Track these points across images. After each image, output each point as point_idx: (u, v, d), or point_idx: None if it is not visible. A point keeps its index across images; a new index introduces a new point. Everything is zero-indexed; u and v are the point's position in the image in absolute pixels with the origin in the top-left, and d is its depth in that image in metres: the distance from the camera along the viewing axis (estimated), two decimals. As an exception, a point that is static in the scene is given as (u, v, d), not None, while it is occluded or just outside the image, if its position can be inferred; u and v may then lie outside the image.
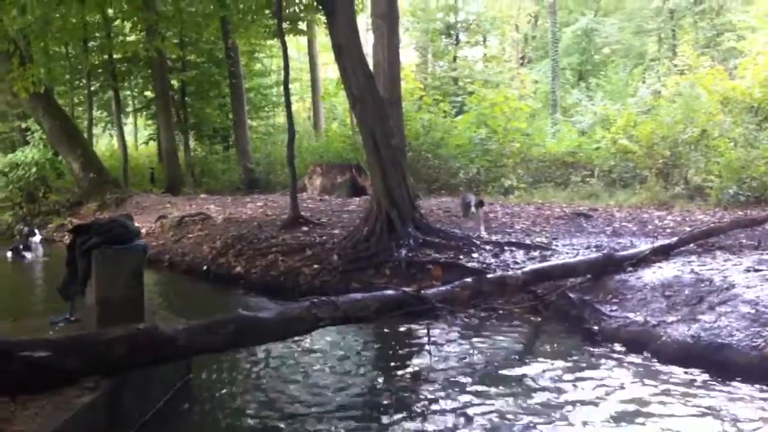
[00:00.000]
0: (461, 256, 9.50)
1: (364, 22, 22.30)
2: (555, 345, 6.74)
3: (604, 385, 5.37)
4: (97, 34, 23.62)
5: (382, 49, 12.61)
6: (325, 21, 11.40)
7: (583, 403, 4.99)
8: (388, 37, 12.65)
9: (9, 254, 14.16)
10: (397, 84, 12.82)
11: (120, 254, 5.24)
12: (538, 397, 5.15)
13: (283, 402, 5.29)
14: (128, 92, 31.11)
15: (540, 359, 6.18)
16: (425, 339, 6.62)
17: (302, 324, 5.41)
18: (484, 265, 8.98)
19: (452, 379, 5.69)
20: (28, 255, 14.23)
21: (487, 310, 7.72)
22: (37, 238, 14.84)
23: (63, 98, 25.81)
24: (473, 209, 11.12)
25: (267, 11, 17.06)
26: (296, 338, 6.30)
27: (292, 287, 9.63)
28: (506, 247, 9.84)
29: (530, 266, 8.22)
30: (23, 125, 24.75)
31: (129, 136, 32.23)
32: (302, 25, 18.30)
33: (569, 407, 4.92)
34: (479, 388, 5.39)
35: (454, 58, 34.37)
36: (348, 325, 6.55)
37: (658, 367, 5.80)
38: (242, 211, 15.94)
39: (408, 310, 6.21)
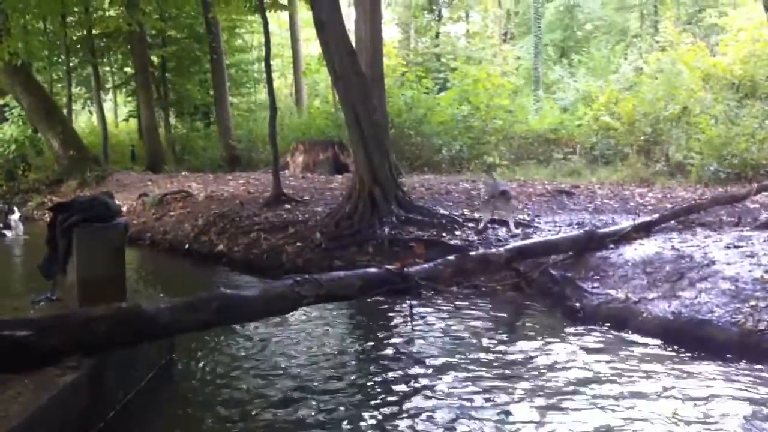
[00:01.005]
0: (444, 234, 9.51)
1: (346, -3, 22.13)
2: (537, 322, 6.78)
3: (584, 363, 5.40)
4: (76, 9, 23.29)
5: (365, 24, 12.54)
6: (307, -4, 11.31)
7: (565, 381, 5.02)
8: (371, 13, 12.58)
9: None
10: (379, 60, 12.77)
11: (101, 232, 5.19)
12: (519, 376, 5.17)
13: (266, 380, 5.29)
14: (108, 68, 30.78)
15: (522, 337, 6.21)
16: (408, 317, 6.64)
17: (285, 302, 5.38)
18: (467, 243, 9.01)
19: (434, 357, 5.70)
20: (8, 233, 14.10)
21: (470, 287, 7.76)
22: (15, 216, 14.68)
23: (42, 74, 25.51)
24: (494, 200, 9.72)
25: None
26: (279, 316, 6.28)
27: (274, 265, 9.61)
28: (488, 225, 9.86)
29: (513, 244, 8.23)
30: (1, 102, 24.46)
31: (109, 113, 31.94)
32: (283, 0, 18.12)
33: (551, 385, 4.95)
34: (461, 366, 5.41)
35: (437, 34, 34.29)
36: (330, 303, 6.55)
37: (639, 343, 5.85)
38: (224, 188, 15.87)
39: (391, 288, 6.21)
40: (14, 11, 18.59)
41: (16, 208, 15.49)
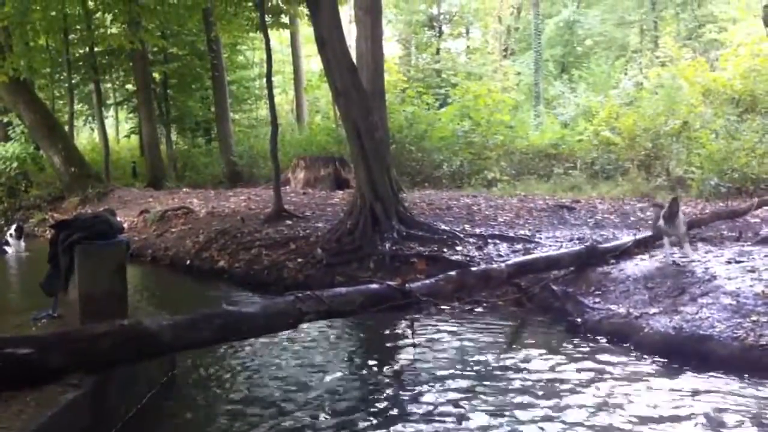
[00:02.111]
0: (445, 250, 9.51)
1: (347, 14, 22.23)
2: (538, 338, 6.77)
3: (586, 378, 5.39)
4: (78, 26, 23.37)
5: (366, 41, 12.60)
6: (308, 13, 11.36)
7: (566, 395, 5.02)
8: (372, 30, 12.65)
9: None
10: (380, 76, 12.82)
11: (103, 249, 5.21)
12: (520, 390, 5.17)
13: (268, 397, 5.29)
14: (109, 85, 30.89)
15: (523, 352, 6.20)
16: (410, 333, 6.63)
17: (287, 319, 5.39)
18: (468, 258, 9.00)
19: (435, 373, 5.70)
20: (10, 250, 14.09)
21: (472, 303, 7.75)
22: (10, 232, 14.55)
23: (44, 92, 25.57)
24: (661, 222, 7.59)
25: (249, 3, 16.99)
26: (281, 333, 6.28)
27: (276, 281, 9.62)
28: (490, 240, 9.86)
29: (514, 259, 8.24)
30: (4, 119, 24.53)
31: (110, 130, 32.04)
32: (285, 18, 18.22)
33: (552, 400, 4.94)
34: (462, 382, 5.40)
35: (437, 51, 34.45)
36: (332, 319, 6.55)
37: (641, 359, 5.84)
38: (225, 204, 15.89)
39: (393, 304, 6.21)
40: (16, 28, 18.66)
41: (15, 225, 15.31)
